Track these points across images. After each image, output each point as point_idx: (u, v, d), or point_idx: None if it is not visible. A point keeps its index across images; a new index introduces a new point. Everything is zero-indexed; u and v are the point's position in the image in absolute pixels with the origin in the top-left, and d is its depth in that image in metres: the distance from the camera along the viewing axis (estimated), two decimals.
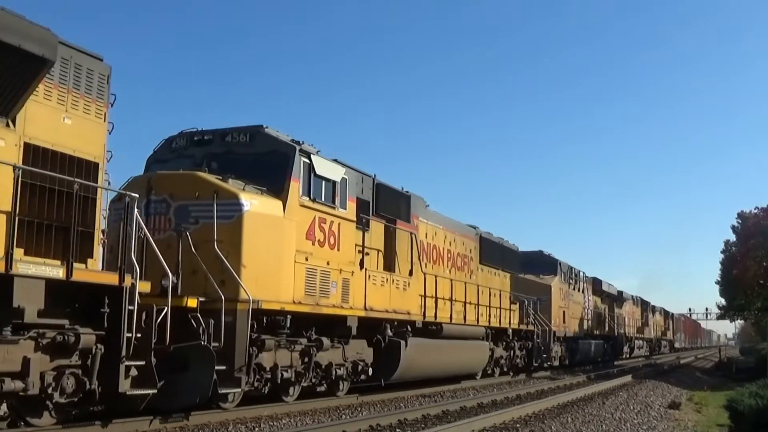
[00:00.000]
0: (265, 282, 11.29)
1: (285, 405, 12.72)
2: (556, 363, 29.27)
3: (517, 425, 12.05)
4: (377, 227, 15.36)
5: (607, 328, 40.54)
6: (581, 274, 35.19)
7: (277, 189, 11.93)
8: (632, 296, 50.54)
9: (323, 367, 13.08)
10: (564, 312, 30.50)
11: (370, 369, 14.49)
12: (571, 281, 32.68)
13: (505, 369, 23.88)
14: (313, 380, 12.93)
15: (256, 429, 10.72)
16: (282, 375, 11.90)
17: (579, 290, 34.28)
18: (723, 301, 54.84)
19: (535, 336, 25.59)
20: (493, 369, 22.68)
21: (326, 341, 12.85)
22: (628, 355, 46.89)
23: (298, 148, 12.35)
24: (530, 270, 28.29)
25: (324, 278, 12.65)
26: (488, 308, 21.07)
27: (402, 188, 16.86)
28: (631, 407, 15.95)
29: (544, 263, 30.21)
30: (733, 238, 42.11)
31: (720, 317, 71.40)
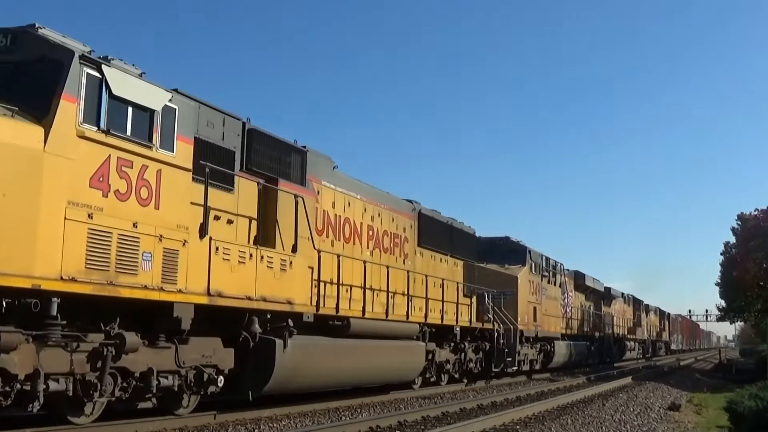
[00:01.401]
0: (1, 246, 7.39)
1: (285, 407, 12.26)
2: (526, 367, 25.21)
3: (517, 427, 12.00)
4: (248, 187, 11.50)
5: (592, 328, 36.56)
6: (559, 266, 30.88)
7: (39, 110, 8.04)
8: (622, 294, 46.38)
9: (137, 375, 9.15)
10: (535, 308, 26.29)
11: (221, 378, 10.46)
12: (545, 273, 28.39)
13: (456, 375, 19.86)
14: (119, 393, 8.96)
15: (256, 430, 10.53)
16: (47, 386, 7.96)
17: (556, 284, 30.06)
18: (723, 303, 53.71)
19: (495, 336, 21.46)
20: (437, 375, 18.75)
21: (132, 338, 8.91)
22: (617, 358, 42.68)
23: (78, 53, 8.46)
24: (493, 259, 24.32)
25: (128, 246, 8.66)
26: (427, 301, 17.19)
27: (295, 141, 13.07)
28: (631, 409, 15.88)
29: (510, 251, 25.78)
30: (732, 239, 41.40)
31: (720, 319, 69.65)
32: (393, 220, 16.60)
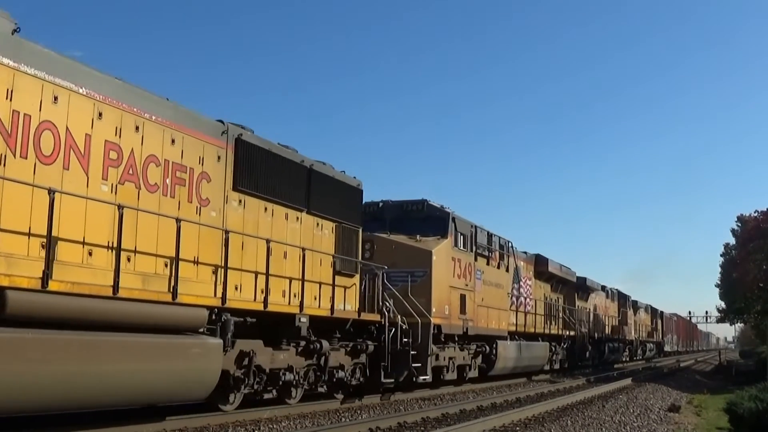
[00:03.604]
0: None
1: (285, 407, 12.07)
2: (451, 376, 19.11)
3: (517, 428, 11.98)
4: None
5: (562, 326, 30.68)
6: (509, 245, 24.07)
7: None
8: (603, 287, 39.80)
9: None
10: (463, 296, 19.75)
11: None
12: (484, 253, 21.69)
13: (323, 389, 13.94)
14: None
15: (256, 431, 10.64)
16: None
17: (502, 268, 23.43)
18: (723, 304, 53.94)
19: (389, 332, 15.51)
20: (279, 391, 12.61)
21: None
22: (593, 361, 36.29)
23: None
24: (405, 229, 18.89)
25: None
26: (226, 272, 10.97)
27: None
28: (631, 410, 15.88)
29: (427, 219, 19.36)
30: (732, 241, 41.74)
31: (720, 320, 69.97)
32: (174, 142, 10.52)
